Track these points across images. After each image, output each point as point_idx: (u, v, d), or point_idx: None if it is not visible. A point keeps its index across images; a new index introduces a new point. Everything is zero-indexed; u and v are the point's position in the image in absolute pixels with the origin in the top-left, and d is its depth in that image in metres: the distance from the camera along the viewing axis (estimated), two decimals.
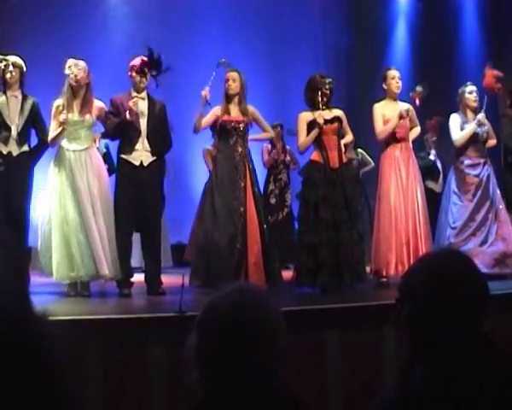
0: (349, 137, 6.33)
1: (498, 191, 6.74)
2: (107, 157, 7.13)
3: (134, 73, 5.82)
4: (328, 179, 5.88)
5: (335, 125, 6.00)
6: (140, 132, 5.82)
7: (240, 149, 5.98)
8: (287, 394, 1.56)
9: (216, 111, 6.08)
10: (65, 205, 5.62)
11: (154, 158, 5.86)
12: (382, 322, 4.48)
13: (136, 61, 5.80)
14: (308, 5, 9.73)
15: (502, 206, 6.69)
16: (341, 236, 5.79)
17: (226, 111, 6.02)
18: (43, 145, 6.02)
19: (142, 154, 5.82)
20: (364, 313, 4.72)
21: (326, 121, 5.96)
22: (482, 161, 6.70)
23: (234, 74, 6.01)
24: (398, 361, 1.81)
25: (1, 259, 1.22)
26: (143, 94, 5.87)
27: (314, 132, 5.94)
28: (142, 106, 5.83)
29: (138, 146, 5.82)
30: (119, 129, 5.78)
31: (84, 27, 8.45)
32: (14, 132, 5.78)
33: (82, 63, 5.75)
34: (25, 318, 1.15)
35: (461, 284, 1.74)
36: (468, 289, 1.74)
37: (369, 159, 8.44)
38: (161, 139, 5.95)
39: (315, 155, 6.01)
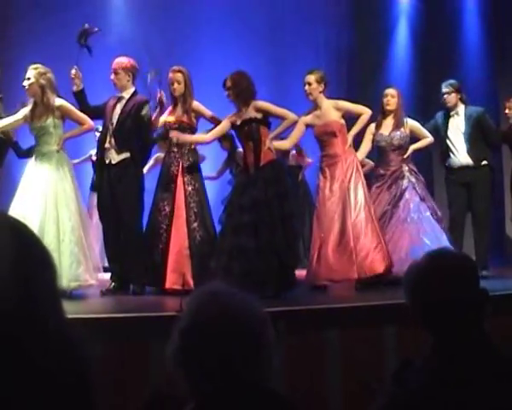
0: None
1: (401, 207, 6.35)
2: None
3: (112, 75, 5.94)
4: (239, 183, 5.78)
5: (246, 128, 5.65)
6: (109, 131, 5.88)
7: (175, 150, 5.98)
8: (278, 395, 1.56)
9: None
10: None
11: (124, 156, 5.83)
12: (382, 321, 4.50)
13: None
14: (309, 5, 9.72)
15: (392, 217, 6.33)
16: (240, 241, 5.32)
17: (169, 112, 6.06)
18: None
19: (110, 151, 5.87)
20: (364, 312, 4.73)
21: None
22: (391, 170, 6.47)
23: (176, 75, 5.98)
24: (397, 361, 1.81)
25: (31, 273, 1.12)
26: (125, 93, 5.93)
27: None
28: (121, 105, 5.90)
29: (107, 144, 5.89)
30: (78, 102, 5.89)
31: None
32: None
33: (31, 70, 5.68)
34: (63, 339, 1.12)
35: (450, 285, 1.74)
36: (459, 290, 1.75)
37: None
38: (132, 137, 5.85)
39: None
